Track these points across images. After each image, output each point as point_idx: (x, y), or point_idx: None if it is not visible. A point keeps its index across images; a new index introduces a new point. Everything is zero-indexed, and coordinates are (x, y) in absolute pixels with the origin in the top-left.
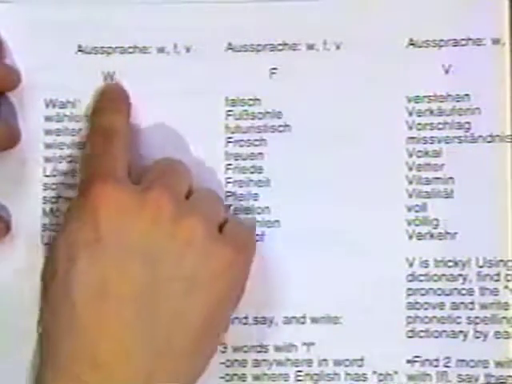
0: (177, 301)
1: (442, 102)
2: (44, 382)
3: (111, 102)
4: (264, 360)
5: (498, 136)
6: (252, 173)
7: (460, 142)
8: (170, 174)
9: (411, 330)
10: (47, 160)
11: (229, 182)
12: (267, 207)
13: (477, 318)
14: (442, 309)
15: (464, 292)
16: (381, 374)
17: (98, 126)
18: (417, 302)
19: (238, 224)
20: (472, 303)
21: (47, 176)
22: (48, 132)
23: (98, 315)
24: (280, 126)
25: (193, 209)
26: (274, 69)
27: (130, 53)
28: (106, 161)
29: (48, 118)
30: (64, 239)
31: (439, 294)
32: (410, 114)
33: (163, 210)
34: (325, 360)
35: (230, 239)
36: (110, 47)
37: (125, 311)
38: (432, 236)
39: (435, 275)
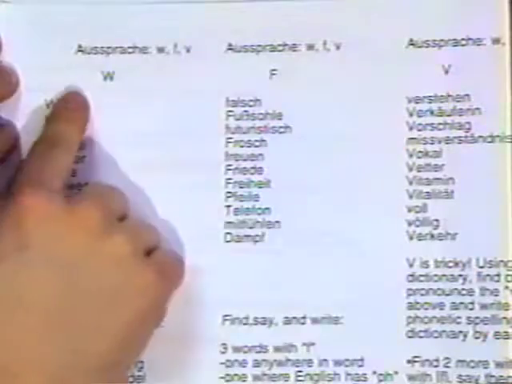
0: (94, 315)
1: (442, 102)
2: None
3: (67, 110)
4: (264, 360)
5: (498, 136)
6: (252, 174)
7: (460, 143)
8: (105, 193)
9: (411, 330)
10: None
11: (229, 183)
12: (267, 208)
13: (477, 318)
14: (442, 309)
15: (464, 292)
16: (381, 374)
17: (45, 133)
18: (417, 302)
19: (167, 253)
20: (472, 303)
21: None
22: None
23: (9, 325)
24: (280, 126)
25: (122, 228)
26: (275, 69)
27: (130, 53)
28: (43, 170)
29: None
30: None
31: (439, 295)
32: (411, 114)
33: (91, 223)
34: (325, 360)
35: (155, 263)
36: (109, 47)
37: (39, 321)
38: (432, 236)
39: (435, 275)
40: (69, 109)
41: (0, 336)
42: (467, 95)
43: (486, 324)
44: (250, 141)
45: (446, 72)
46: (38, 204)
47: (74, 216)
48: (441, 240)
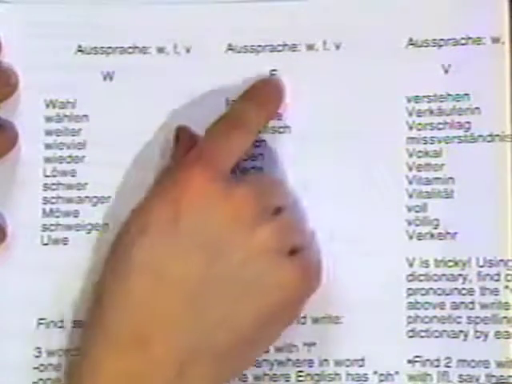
0: (230, 302)
1: (441, 101)
2: (88, 345)
3: (258, 93)
4: (265, 360)
5: (497, 136)
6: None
7: (460, 142)
8: (266, 185)
9: (412, 330)
10: (47, 160)
11: None
12: None
13: (477, 317)
14: (442, 309)
15: (464, 292)
16: (382, 374)
17: (229, 112)
18: (417, 302)
19: (313, 256)
20: (472, 303)
21: (47, 176)
22: (48, 132)
23: (150, 293)
24: (280, 126)
25: (274, 222)
26: (274, 69)
27: (130, 53)
28: (216, 149)
29: (48, 119)
30: (143, 209)
31: (439, 294)
32: (410, 114)
33: (245, 210)
34: (326, 360)
35: (298, 264)
36: (109, 47)
37: (177, 297)
38: (432, 236)
39: (435, 275)
40: (261, 92)
41: (139, 300)
42: (467, 94)
43: (486, 323)
44: None
45: (446, 71)
46: (200, 183)
47: (230, 201)
48: (441, 239)
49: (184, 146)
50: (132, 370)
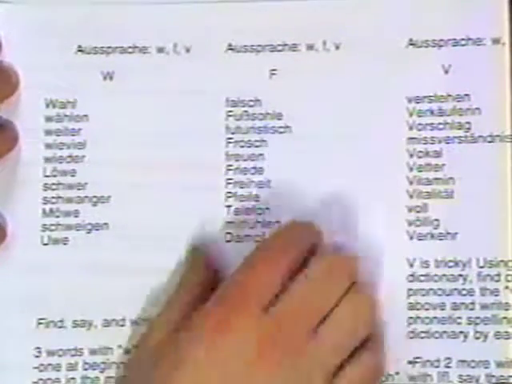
0: None
1: (442, 102)
2: None
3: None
4: None
5: (498, 136)
6: (252, 174)
7: (460, 142)
8: (297, 313)
9: (412, 331)
10: (47, 160)
11: (229, 183)
12: (267, 208)
13: (477, 318)
14: (442, 309)
15: (464, 292)
16: None
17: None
18: (417, 303)
19: (367, 363)
20: (472, 303)
21: (47, 176)
22: (48, 132)
23: None
24: (280, 126)
25: (309, 352)
26: (274, 69)
27: (130, 53)
28: (260, 284)
29: (48, 119)
30: (170, 342)
31: (440, 295)
32: (411, 114)
33: (273, 347)
34: None
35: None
36: (109, 47)
37: None
38: (432, 236)
39: (436, 275)
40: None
41: None
42: (467, 95)
43: (486, 324)
44: (250, 141)
45: (446, 72)
46: (236, 319)
47: (258, 336)
48: (441, 240)
49: (200, 273)
50: None
